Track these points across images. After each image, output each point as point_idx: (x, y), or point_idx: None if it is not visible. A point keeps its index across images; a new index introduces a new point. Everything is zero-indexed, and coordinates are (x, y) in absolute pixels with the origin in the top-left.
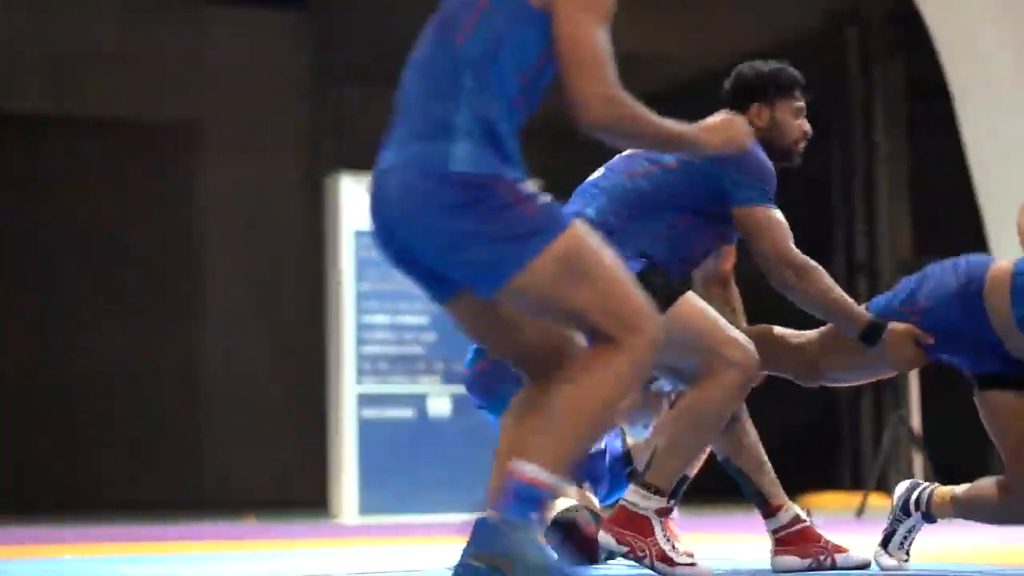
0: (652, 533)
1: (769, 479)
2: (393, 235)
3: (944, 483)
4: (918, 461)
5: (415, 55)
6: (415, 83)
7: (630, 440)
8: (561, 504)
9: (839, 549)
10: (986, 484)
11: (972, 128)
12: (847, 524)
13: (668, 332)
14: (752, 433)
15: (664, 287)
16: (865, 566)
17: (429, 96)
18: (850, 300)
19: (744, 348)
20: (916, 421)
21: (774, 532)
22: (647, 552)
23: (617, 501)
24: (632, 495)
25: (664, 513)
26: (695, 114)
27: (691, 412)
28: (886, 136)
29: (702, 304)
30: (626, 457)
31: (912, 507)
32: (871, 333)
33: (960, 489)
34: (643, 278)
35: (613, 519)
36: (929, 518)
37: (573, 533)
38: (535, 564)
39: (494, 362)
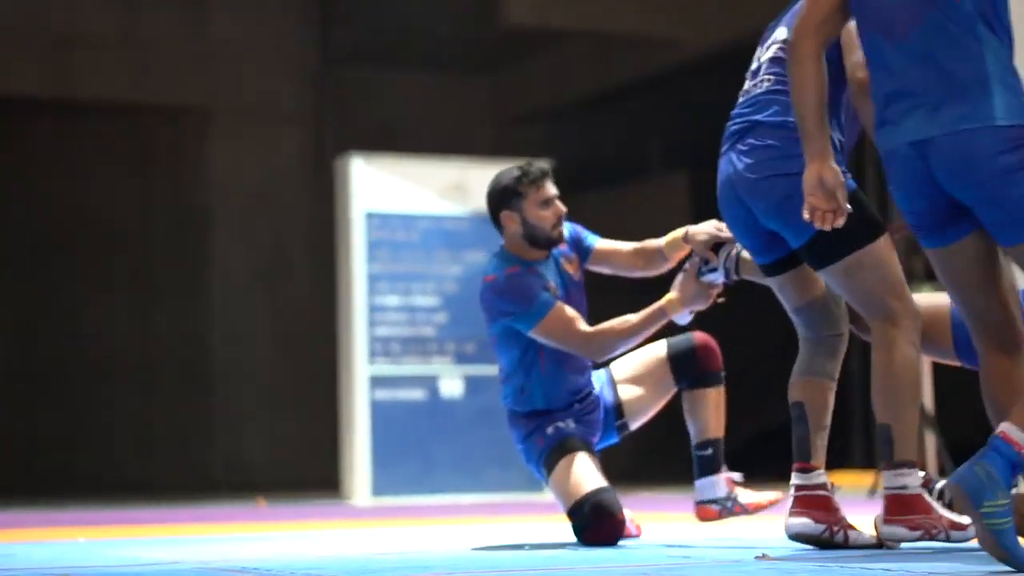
0: (931, 508)
1: (822, 439)
2: (950, 203)
3: (956, 463)
4: (931, 440)
5: (878, 37)
6: (908, 54)
7: (622, 395)
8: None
9: (851, 526)
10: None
11: None
12: (860, 502)
13: (864, 267)
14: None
15: (874, 215)
16: (875, 546)
17: (942, 58)
18: None
19: (912, 301)
20: (928, 401)
21: (797, 488)
22: (939, 528)
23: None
24: (893, 480)
25: (927, 484)
26: (700, 95)
27: (895, 375)
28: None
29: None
30: (617, 410)
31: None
32: None
33: None
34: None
35: (889, 511)
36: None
37: (603, 517)
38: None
39: None
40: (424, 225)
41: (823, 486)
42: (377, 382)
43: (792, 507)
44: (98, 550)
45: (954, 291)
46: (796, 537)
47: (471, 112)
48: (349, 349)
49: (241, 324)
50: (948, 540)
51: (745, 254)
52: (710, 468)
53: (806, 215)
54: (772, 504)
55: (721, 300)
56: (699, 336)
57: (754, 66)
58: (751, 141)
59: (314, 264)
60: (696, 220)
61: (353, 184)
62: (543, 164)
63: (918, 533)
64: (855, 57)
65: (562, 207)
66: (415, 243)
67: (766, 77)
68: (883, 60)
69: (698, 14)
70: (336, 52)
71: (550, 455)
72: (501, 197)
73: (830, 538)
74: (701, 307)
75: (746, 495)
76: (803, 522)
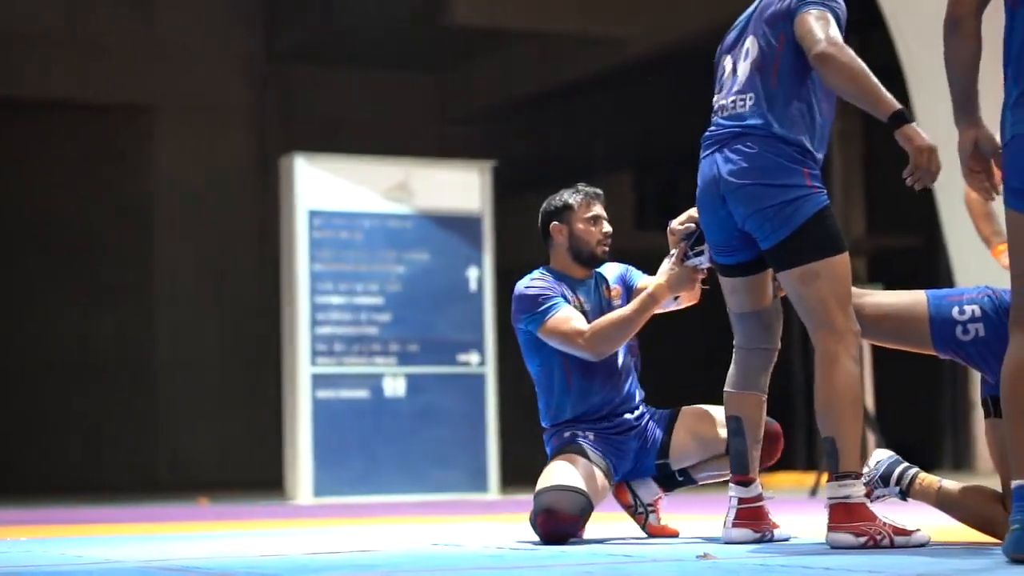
0: (875, 516)
1: (757, 451)
2: None
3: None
4: (871, 440)
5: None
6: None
7: (675, 436)
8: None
9: (776, 526)
10: (979, 490)
11: (925, 108)
12: (801, 503)
13: (820, 278)
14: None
15: (839, 233)
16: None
17: None
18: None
19: (855, 321)
20: (870, 401)
21: (739, 501)
22: (884, 534)
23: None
24: (837, 490)
25: (870, 494)
26: (644, 96)
27: (837, 390)
28: (840, 115)
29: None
30: (662, 448)
31: (893, 480)
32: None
33: (949, 484)
34: (825, 216)
35: (835, 519)
36: (903, 497)
37: (546, 514)
38: None
39: None
40: (368, 224)
41: (760, 497)
42: (320, 381)
43: (734, 518)
44: (40, 549)
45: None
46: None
47: (417, 111)
48: (292, 348)
49: (186, 323)
50: (893, 545)
51: None
52: (664, 480)
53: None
54: (669, 535)
55: (706, 287)
56: (774, 426)
57: (723, 74)
58: (739, 147)
59: (258, 263)
60: (640, 221)
61: (297, 183)
62: (598, 189)
63: (863, 539)
64: (825, 33)
65: (608, 228)
66: (358, 242)
67: (748, 98)
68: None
69: (643, 15)
70: (281, 51)
71: (553, 455)
72: (554, 211)
73: (768, 540)
74: (687, 290)
75: (657, 518)
76: (743, 533)
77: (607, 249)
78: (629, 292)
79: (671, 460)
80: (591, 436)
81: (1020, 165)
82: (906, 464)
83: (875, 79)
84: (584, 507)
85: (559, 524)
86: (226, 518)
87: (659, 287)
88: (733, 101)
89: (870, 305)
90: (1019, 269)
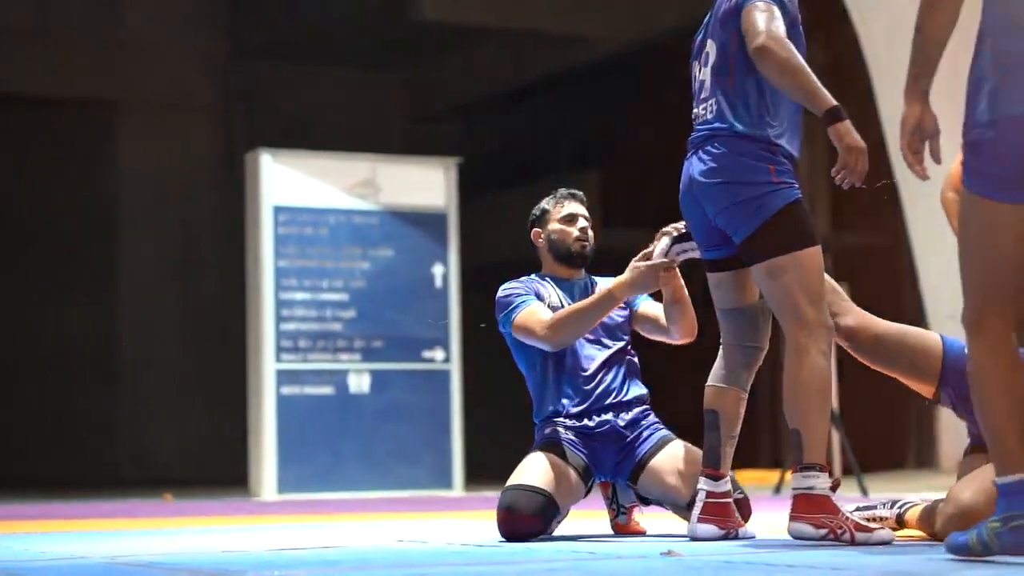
0: (838, 510)
1: (731, 448)
2: None
3: (863, 464)
4: (835, 437)
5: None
6: None
7: (654, 464)
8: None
9: (741, 525)
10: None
11: (889, 106)
12: (765, 501)
13: (789, 271)
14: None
15: (811, 227)
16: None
17: None
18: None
19: (827, 314)
20: (834, 399)
21: (707, 495)
22: (845, 528)
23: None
24: (801, 481)
25: (835, 488)
26: (611, 94)
27: (803, 383)
28: (805, 113)
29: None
30: (636, 471)
31: (896, 506)
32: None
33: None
34: (798, 210)
35: (796, 508)
36: (899, 522)
37: (506, 512)
38: None
39: None
40: (333, 220)
41: (728, 493)
42: (285, 377)
43: (700, 513)
44: (4, 544)
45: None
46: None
47: (383, 108)
48: (257, 344)
49: (150, 319)
50: (853, 541)
51: None
52: (638, 496)
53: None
54: (636, 534)
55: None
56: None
57: (696, 85)
58: (709, 149)
59: (224, 259)
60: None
61: (263, 179)
62: (575, 190)
63: (823, 532)
64: (767, 26)
65: (584, 224)
66: (324, 238)
67: (711, 104)
68: None
69: (610, 13)
70: (248, 46)
71: (532, 450)
72: (534, 219)
73: (733, 538)
74: (650, 290)
75: (628, 520)
76: (708, 529)
77: (586, 245)
78: (630, 314)
79: (638, 487)
80: (572, 435)
81: (1009, 151)
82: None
83: (811, 75)
84: (543, 508)
85: (518, 523)
86: (191, 514)
87: (620, 286)
88: (704, 108)
89: (881, 324)
90: (987, 263)
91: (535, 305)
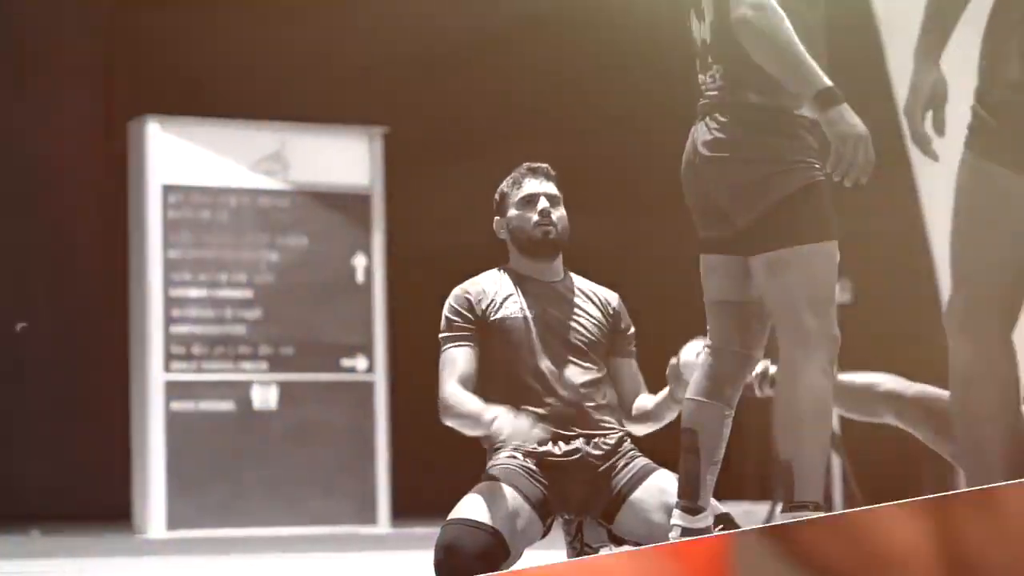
0: None
1: (713, 475)
2: None
3: (869, 493)
4: (836, 463)
5: None
6: None
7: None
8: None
9: None
10: None
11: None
12: None
13: (791, 268)
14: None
15: (829, 216)
16: None
17: None
18: None
19: (833, 326)
20: (835, 420)
21: (682, 531)
22: None
23: None
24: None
25: None
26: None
27: (797, 405)
28: None
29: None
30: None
31: None
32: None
33: None
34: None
35: None
36: None
37: (451, 555)
38: None
39: None
40: (234, 202)
41: (708, 530)
42: (175, 390)
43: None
44: None
45: None
46: None
47: (294, 68)
48: (142, 350)
49: (13, 318)
50: None
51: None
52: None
53: None
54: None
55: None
56: None
57: (698, 44)
58: (717, 116)
59: (102, 247)
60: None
61: (149, 152)
62: (538, 163)
63: None
64: None
65: (545, 204)
66: (223, 223)
67: (717, 69)
68: None
69: None
70: None
71: (482, 477)
72: (494, 207)
73: None
74: (523, 440)
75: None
76: None
77: (549, 230)
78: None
79: (615, 525)
80: (530, 461)
81: None
82: None
83: (802, 51)
84: (490, 548)
85: (459, 567)
86: (63, 554)
87: (499, 428)
88: (711, 76)
89: (917, 388)
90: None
91: (456, 353)
